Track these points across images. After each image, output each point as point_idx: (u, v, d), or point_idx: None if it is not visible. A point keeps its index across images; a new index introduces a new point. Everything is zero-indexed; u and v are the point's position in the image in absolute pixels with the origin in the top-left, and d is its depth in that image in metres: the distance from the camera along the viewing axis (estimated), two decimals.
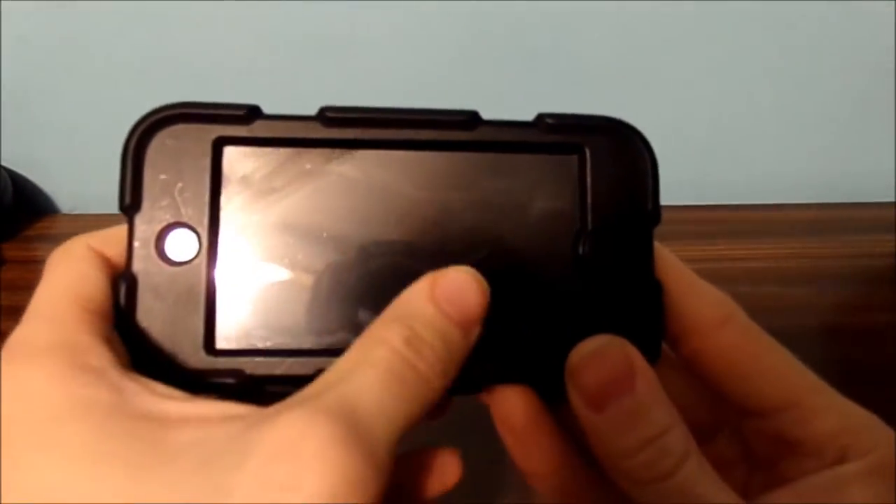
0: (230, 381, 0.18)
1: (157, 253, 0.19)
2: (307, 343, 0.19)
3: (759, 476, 0.22)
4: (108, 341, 0.18)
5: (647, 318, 0.20)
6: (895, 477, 0.19)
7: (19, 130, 0.51)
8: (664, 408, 0.18)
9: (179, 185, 0.19)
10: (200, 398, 0.17)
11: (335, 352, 0.18)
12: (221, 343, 0.19)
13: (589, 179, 0.20)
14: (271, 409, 0.16)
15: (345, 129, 0.20)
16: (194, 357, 0.19)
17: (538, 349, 0.20)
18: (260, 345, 0.19)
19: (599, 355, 0.19)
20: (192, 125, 0.19)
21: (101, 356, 0.17)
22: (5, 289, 0.45)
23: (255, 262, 0.19)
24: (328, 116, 0.20)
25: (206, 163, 0.19)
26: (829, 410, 0.20)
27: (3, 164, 0.52)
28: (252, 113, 0.19)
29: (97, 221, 0.20)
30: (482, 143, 0.20)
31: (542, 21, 0.49)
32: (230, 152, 0.20)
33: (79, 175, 0.53)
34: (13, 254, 0.50)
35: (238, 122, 0.19)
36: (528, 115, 0.21)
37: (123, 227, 0.20)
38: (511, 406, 0.20)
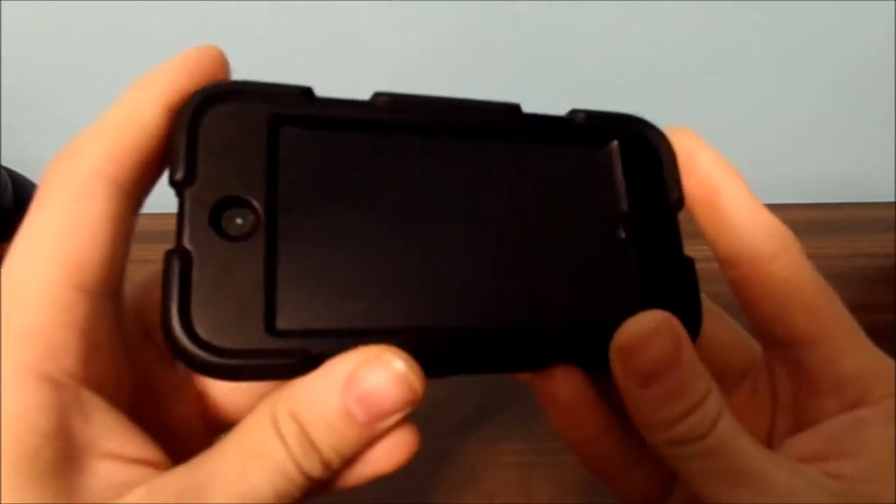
0: (294, 361, 0.18)
1: (213, 227, 0.18)
2: (369, 322, 0.19)
3: (782, 420, 0.22)
4: (94, 329, 0.16)
5: (684, 293, 0.21)
6: None
7: (19, 130, 0.51)
8: (703, 376, 0.19)
9: (235, 160, 0.18)
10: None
11: (394, 332, 0.18)
12: (283, 323, 0.18)
13: (622, 169, 0.22)
14: None
15: (396, 113, 0.20)
16: (255, 337, 0.17)
17: (584, 329, 0.20)
18: (322, 324, 0.18)
19: (649, 336, 0.19)
20: (246, 102, 0.19)
21: (67, 401, 0.16)
22: None
23: (312, 240, 0.19)
24: (380, 101, 0.20)
25: (263, 140, 0.19)
26: (854, 352, 0.21)
27: (3, 164, 0.52)
28: (306, 94, 0.20)
29: None
30: (523, 133, 0.21)
31: (541, 23, 0.49)
32: (286, 131, 0.19)
33: None
34: None
35: (293, 102, 0.19)
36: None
37: (139, 128, 0.18)
38: (558, 384, 0.21)
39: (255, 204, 0.18)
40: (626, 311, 0.20)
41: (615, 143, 0.22)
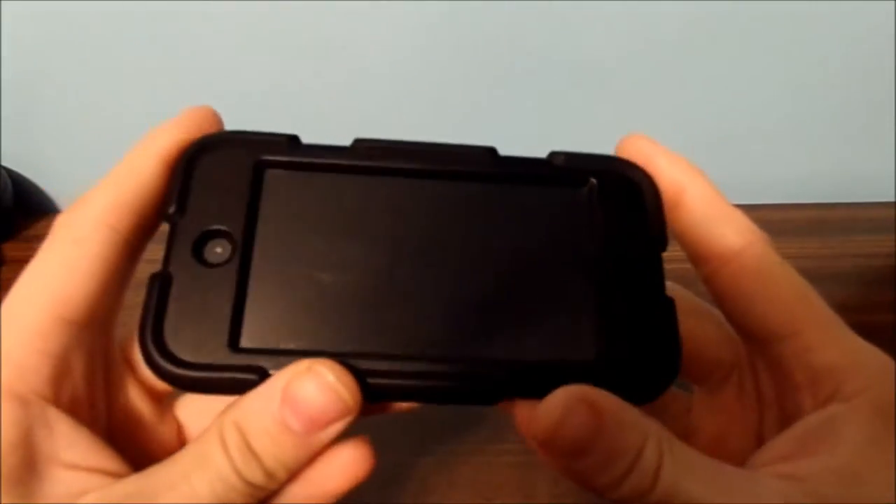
0: (252, 377, 0.19)
1: (194, 255, 0.20)
2: (328, 345, 0.20)
3: (769, 416, 0.22)
4: (69, 356, 0.18)
5: (660, 334, 0.21)
6: (887, 418, 0.19)
7: (19, 130, 0.51)
8: (633, 428, 0.18)
9: (221, 198, 0.21)
10: None
11: (348, 355, 0.19)
12: (246, 341, 0.20)
13: (601, 210, 0.22)
14: None
15: (374, 159, 0.22)
16: (219, 353, 0.19)
17: (559, 370, 0.20)
18: (284, 345, 0.20)
19: (560, 420, 0.18)
20: (237, 149, 0.21)
21: (33, 416, 0.18)
22: (5, 289, 0.45)
23: (283, 270, 0.21)
24: (360, 147, 0.22)
25: (248, 182, 0.21)
26: (829, 344, 0.20)
27: (3, 164, 0.52)
28: (292, 141, 0.22)
29: None
30: (499, 175, 0.22)
31: (537, 23, 0.49)
32: (270, 174, 0.22)
33: (79, 175, 0.53)
34: (13, 254, 0.50)
35: (278, 148, 0.22)
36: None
37: (139, 182, 0.20)
38: (533, 416, 0.20)
39: (234, 235, 0.21)
40: (591, 350, 0.20)
41: (593, 182, 0.22)
